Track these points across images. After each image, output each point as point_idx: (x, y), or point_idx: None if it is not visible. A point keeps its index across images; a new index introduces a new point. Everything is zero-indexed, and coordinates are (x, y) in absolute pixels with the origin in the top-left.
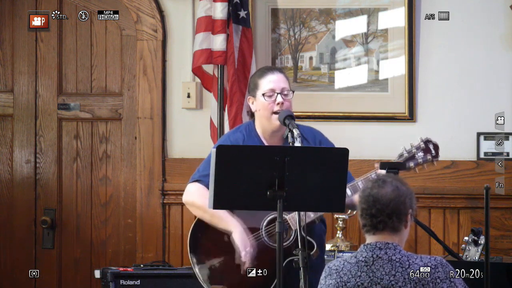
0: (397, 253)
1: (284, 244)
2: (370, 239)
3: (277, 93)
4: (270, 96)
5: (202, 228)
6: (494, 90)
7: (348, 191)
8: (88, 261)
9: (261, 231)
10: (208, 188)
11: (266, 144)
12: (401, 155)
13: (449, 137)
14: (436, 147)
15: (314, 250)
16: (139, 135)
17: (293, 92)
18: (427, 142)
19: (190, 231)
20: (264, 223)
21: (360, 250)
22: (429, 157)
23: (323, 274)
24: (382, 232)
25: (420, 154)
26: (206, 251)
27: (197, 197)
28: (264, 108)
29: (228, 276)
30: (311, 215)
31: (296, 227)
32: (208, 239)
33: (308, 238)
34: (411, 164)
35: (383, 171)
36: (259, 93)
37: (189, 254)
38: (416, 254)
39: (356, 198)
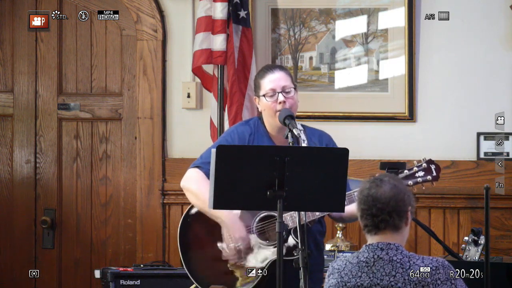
0: (398, 253)
1: (272, 244)
2: (371, 239)
3: (278, 92)
4: (271, 96)
5: (192, 219)
6: (494, 90)
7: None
8: (88, 261)
9: (252, 227)
10: (207, 175)
11: (272, 140)
12: (401, 172)
13: (449, 137)
14: (437, 169)
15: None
16: (139, 135)
17: (296, 87)
18: (429, 162)
19: (180, 222)
20: (256, 219)
21: (362, 250)
22: (428, 177)
23: (327, 273)
24: (384, 231)
25: (421, 173)
26: (193, 243)
27: (193, 183)
28: (268, 108)
29: (210, 268)
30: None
31: (290, 227)
32: (197, 230)
33: (296, 240)
34: (410, 182)
35: None
36: (261, 93)
37: (180, 256)
38: (418, 255)
39: (350, 209)
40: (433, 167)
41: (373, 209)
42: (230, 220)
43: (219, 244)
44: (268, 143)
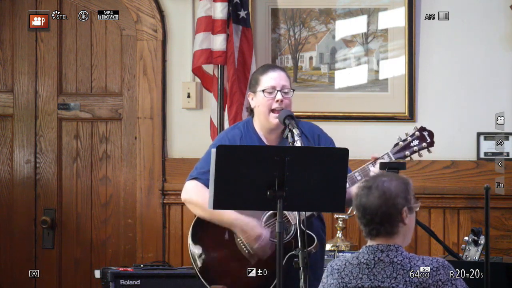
0: (399, 255)
1: (285, 239)
2: (370, 241)
3: (277, 90)
4: (270, 93)
5: (202, 226)
6: (494, 90)
7: (358, 176)
8: (88, 261)
9: (266, 229)
10: (206, 185)
11: (264, 140)
12: (396, 144)
13: (449, 137)
14: (431, 134)
15: (315, 244)
16: (139, 135)
17: (293, 91)
18: (421, 130)
19: (190, 229)
20: (264, 219)
21: (362, 251)
22: (424, 144)
23: (325, 273)
24: (378, 236)
25: (415, 142)
26: (207, 249)
27: (195, 195)
28: (263, 105)
29: (227, 274)
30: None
31: (295, 221)
32: (209, 236)
33: (308, 232)
34: (407, 152)
35: (377, 169)
36: (259, 89)
37: (189, 252)
38: (419, 256)
39: (353, 190)
40: (426, 133)
41: (363, 219)
42: (242, 221)
43: (237, 243)
44: (258, 144)
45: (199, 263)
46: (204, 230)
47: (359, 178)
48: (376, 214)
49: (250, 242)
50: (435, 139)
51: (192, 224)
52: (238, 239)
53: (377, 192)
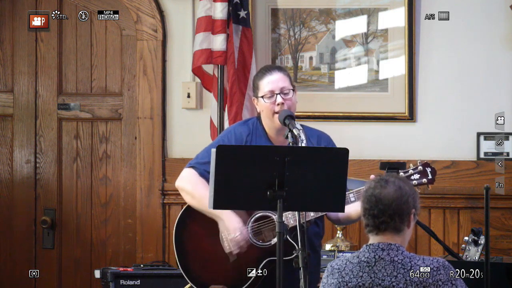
0: (399, 254)
1: (267, 244)
2: (372, 239)
3: (276, 94)
4: (269, 98)
5: (189, 218)
6: (494, 90)
7: (352, 197)
8: (88, 261)
9: (247, 228)
10: (202, 175)
11: (271, 141)
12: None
13: (449, 137)
14: (433, 172)
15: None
16: (139, 135)
17: (294, 89)
18: (425, 165)
19: (177, 219)
20: (252, 220)
21: (362, 250)
22: (424, 180)
23: (325, 273)
24: (384, 232)
25: (416, 176)
26: (190, 242)
27: (187, 182)
28: (266, 110)
29: (206, 268)
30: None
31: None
32: (194, 229)
33: (291, 240)
34: None
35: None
36: (259, 94)
37: (173, 243)
38: (419, 256)
39: (352, 207)
40: (428, 170)
41: (375, 210)
42: (225, 213)
43: (221, 238)
44: (266, 144)
45: (181, 256)
46: (191, 222)
47: (352, 199)
48: (389, 206)
49: (226, 234)
50: (436, 140)
51: (179, 215)
52: (222, 234)
53: (394, 186)
